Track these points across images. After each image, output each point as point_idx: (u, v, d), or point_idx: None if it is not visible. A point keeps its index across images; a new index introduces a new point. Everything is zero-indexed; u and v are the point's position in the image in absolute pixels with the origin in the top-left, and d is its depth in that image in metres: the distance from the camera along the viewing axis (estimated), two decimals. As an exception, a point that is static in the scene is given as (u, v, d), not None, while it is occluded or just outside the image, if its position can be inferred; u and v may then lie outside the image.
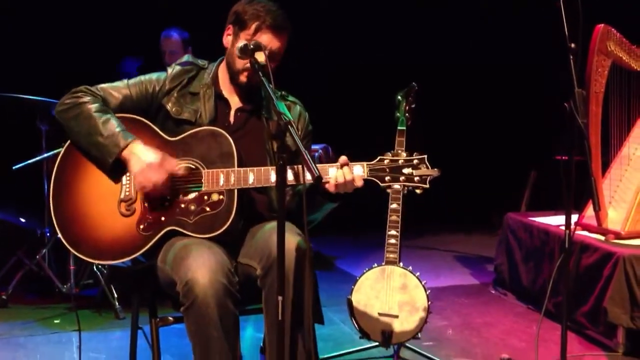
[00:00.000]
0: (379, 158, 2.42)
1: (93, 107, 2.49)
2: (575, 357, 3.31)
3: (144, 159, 2.40)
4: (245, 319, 3.64)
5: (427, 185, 2.40)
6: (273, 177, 2.41)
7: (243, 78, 2.55)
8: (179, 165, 2.46)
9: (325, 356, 3.31)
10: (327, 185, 2.37)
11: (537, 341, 3.17)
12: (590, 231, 3.83)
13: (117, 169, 2.47)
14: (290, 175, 2.33)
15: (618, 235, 3.69)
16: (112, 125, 2.46)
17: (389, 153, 2.43)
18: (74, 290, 4.07)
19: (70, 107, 2.50)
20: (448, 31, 6.39)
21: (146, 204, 2.47)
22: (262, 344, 2.63)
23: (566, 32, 2.73)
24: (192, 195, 2.45)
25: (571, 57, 2.73)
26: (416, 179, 2.40)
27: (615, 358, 3.40)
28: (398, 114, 3.23)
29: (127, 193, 2.48)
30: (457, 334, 3.77)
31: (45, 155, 4.08)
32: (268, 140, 2.59)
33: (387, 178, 2.41)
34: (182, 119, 2.57)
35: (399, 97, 3.27)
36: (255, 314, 2.59)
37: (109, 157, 2.44)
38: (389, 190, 2.90)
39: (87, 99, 2.51)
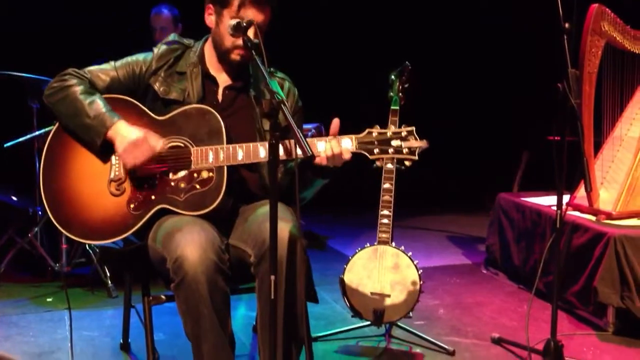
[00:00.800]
0: (367, 131, 2.41)
1: (79, 89, 2.48)
2: (565, 336, 3.33)
3: (128, 137, 2.40)
4: (237, 298, 3.67)
5: (416, 157, 2.39)
6: (262, 153, 2.40)
7: (235, 56, 2.52)
8: (165, 144, 2.44)
9: (318, 335, 3.33)
10: (317, 159, 2.37)
11: (528, 320, 3.18)
12: (581, 211, 3.84)
13: (106, 149, 2.46)
14: (280, 151, 2.31)
15: (609, 216, 3.70)
16: (98, 106, 2.45)
17: (377, 126, 2.41)
18: (65, 269, 4.06)
19: (57, 91, 2.50)
20: (442, 10, 6.35)
21: (136, 183, 2.46)
22: (254, 323, 2.64)
23: (560, 12, 2.72)
24: (182, 173, 2.45)
25: (565, 36, 2.72)
26: (405, 150, 2.39)
27: (605, 337, 3.43)
28: (391, 94, 3.21)
29: (117, 173, 2.47)
30: (448, 313, 3.78)
31: (37, 133, 4.06)
32: (259, 119, 2.57)
33: (375, 150, 2.40)
34: (170, 99, 2.55)
35: (393, 77, 3.25)
36: (247, 293, 2.59)
37: (97, 137, 2.43)
38: (379, 164, 2.88)
39: (73, 81, 2.50)
